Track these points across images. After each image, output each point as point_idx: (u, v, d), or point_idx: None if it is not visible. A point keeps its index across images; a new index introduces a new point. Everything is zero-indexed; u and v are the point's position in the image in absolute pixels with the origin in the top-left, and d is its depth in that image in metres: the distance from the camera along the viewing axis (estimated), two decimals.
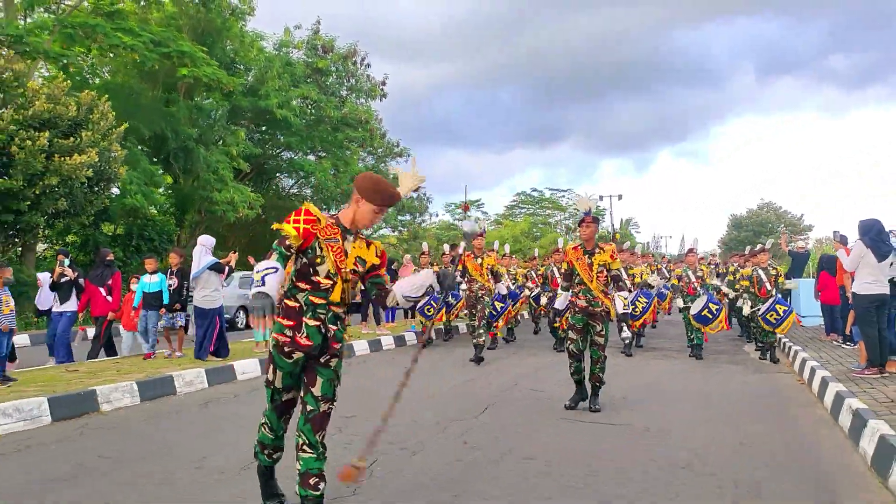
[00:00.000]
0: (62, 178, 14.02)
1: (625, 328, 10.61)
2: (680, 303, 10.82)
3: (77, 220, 15.84)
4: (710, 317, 9.85)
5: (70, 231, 18.57)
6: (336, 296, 3.27)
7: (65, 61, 17.86)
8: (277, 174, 30.01)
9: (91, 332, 10.64)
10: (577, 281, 6.50)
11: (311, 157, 28.79)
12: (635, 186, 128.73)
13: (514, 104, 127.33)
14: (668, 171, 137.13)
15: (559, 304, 6.90)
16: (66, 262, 9.20)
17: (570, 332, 6.51)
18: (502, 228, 61.38)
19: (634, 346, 11.16)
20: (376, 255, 3.40)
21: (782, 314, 9.36)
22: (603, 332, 6.41)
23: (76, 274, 9.05)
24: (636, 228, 75.63)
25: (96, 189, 15.49)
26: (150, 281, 9.09)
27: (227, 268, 8.95)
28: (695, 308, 10.02)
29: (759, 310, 9.73)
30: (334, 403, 3.32)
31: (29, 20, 18.27)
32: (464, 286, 10.55)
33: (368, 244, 3.39)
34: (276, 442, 3.42)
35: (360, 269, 3.34)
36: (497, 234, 57.45)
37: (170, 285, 9.03)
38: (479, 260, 9.89)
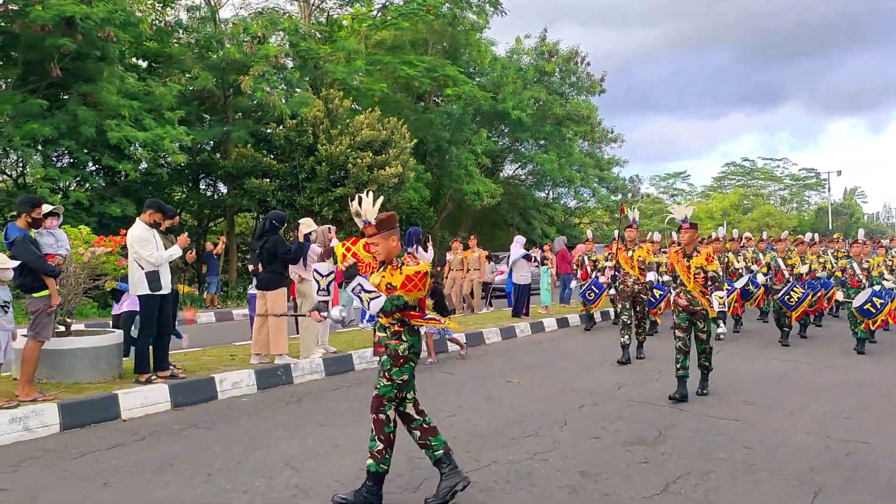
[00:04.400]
0: (378, 186, 19.15)
1: (721, 325, 10.98)
2: (840, 296, 10.62)
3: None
4: (874, 311, 9.74)
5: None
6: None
7: (372, 93, 23.17)
8: (507, 164, 34.40)
9: None
10: (678, 281, 7.15)
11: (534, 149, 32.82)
12: (867, 150, 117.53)
13: (725, 66, 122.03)
14: None
15: (650, 276, 9.52)
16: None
17: (676, 330, 7.12)
18: (710, 201, 61.35)
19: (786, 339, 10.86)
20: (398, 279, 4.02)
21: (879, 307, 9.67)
22: (705, 329, 7.07)
23: None
24: (863, 198, 71.25)
25: (397, 191, 20.60)
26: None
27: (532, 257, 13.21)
28: (857, 301, 9.91)
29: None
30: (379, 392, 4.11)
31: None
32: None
33: (401, 269, 4.06)
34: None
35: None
36: (704, 208, 57.80)
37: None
38: (630, 252, 9.47)
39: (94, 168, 18.52)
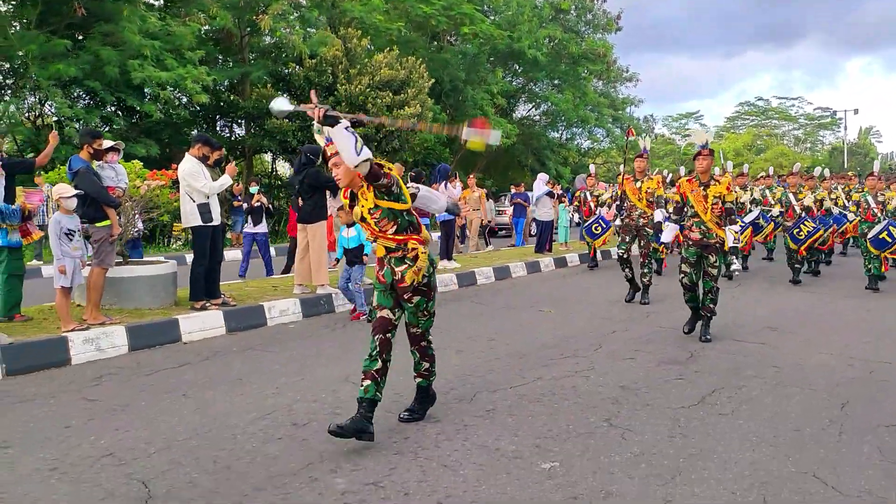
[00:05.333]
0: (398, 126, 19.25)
1: (734, 262, 10.01)
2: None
3: (398, 154, 21.23)
4: (890, 240, 9.55)
5: None
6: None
7: (389, 32, 23.01)
8: (521, 104, 34.22)
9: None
10: (690, 213, 6.70)
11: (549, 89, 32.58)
12: (883, 89, 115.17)
13: (741, 1, 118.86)
14: None
15: (665, 237, 7.30)
16: (256, 189, 10.77)
17: (682, 265, 6.78)
18: (723, 141, 60.90)
19: (805, 274, 11.03)
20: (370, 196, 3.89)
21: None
22: (716, 264, 6.65)
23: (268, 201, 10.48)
24: (877, 138, 70.43)
25: (414, 131, 20.69)
26: (348, 236, 7.64)
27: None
28: (872, 232, 9.74)
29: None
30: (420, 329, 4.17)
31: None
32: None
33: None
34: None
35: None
36: (717, 148, 57.48)
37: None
38: (639, 184, 8.86)
39: (112, 109, 18.65)
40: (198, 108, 20.85)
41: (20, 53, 15.61)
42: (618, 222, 9.37)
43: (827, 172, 15.96)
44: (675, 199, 7.11)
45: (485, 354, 6.16)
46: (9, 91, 17.23)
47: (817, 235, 10.52)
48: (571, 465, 3.68)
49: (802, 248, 10.53)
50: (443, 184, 10.66)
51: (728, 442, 4.01)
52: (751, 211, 11.88)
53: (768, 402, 4.78)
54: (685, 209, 6.78)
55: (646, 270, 8.85)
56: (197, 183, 6.67)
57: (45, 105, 18.63)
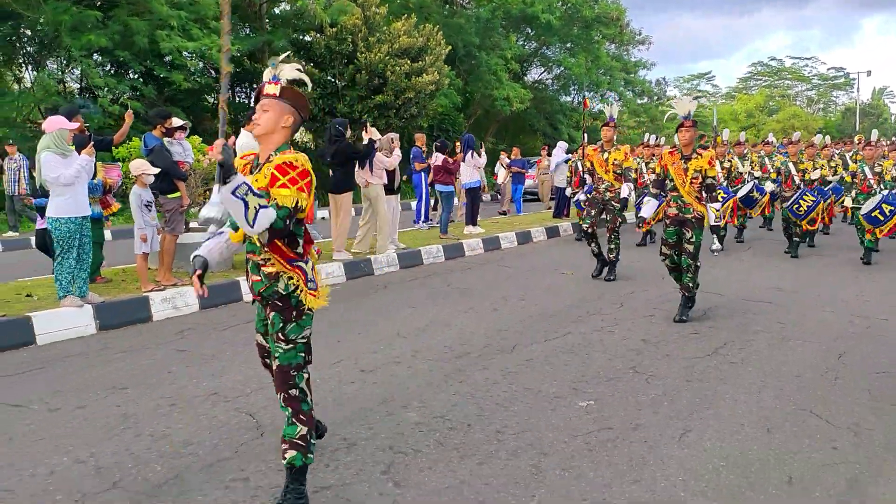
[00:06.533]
0: (416, 93, 19.71)
1: (716, 241, 9.37)
2: (849, 202, 10.23)
3: (415, 120, 21.69)
4: (882, 218, 9.17)
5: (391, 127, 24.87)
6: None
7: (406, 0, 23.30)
8: (533, 68, 34.43)
9: None
10: (669, 187, 6.45)
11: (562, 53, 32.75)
12: None
13: None
14: None
15: (646, 211, 6.95)
16: None
17: (662, 246, 6.59)
18: (734, 103, 60.73)
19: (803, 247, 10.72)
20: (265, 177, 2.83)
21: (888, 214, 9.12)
22: (693, 240, 6.34)
23: None
24: (891, 98, 69.94)
25: (432, 98, 21.15)
26: None
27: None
28: (866, 207, 9.38)
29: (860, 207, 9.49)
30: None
31: None
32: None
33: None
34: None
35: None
36: (728, 110, 57.34)
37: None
38: (606, 155, 8.33)
39: (134, 76, 19.12)
40: (216, 76, 21.31)
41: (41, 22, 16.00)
42: (582, 196, 9.01)
43: (828, 139, 15.64)
44: (656, 171, 6.90)
45: (517, 312, 6.83)
46: (46, 60, 17.75)
47: (819, 209, 10.08)
48: (604, 403, 4.35)
49: (804, 221, 10.10)
50: (469, 153, 11.22)
51: (737, 386, 4.67)
52: (745, 183, 11.24)
53: (773, 354, 5.43)
54: (666, 182, 6.50)
55: (612, 246, 8.37)
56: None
57: (68, 73, 19.12)
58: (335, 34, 19.51)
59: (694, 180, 6.31)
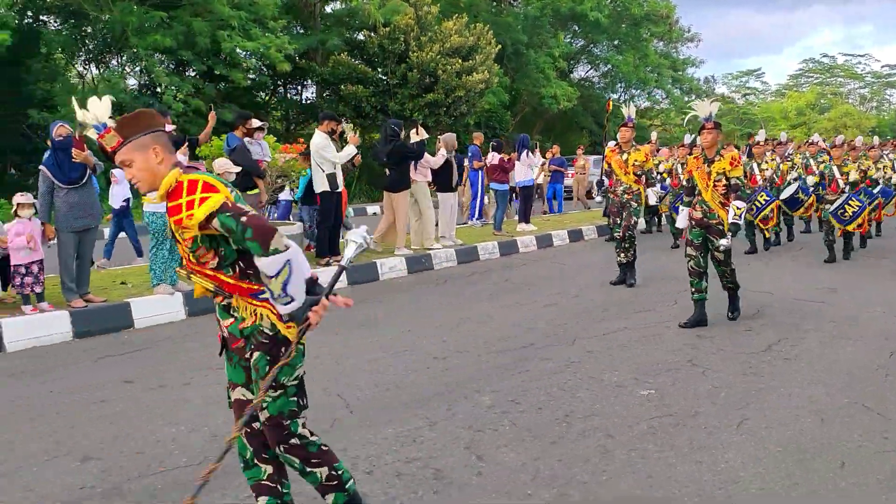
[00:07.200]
0: (466, 91, 20.07)
1: (727, 238, 8.10)
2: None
3: (464, 118, 22.04)
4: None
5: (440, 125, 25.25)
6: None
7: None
8: (579, 66, 34.52)
9: None
10: (695, 192, 6.39)
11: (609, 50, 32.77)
12: None
13: None
14: None
15: (681, 222, 6.61)
16: None
17: (688, 247, 6.39)
18: (784, 100, 59.59)
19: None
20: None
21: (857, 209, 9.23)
22: (720, 248, 6.27)
23: None
24: None
25: (481, 96, 21.50)
26: None
27: None
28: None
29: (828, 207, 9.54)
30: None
31: None
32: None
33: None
34: None
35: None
36: (778, 107, 56.31)
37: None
38: (625, 156, 8.05)
39: (193, 75, 19.84)
40: (269, 73, 21.98)
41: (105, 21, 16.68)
42: (598, 199, 8.62)
43: (876, 140, 14.98)
44: (684, 177, 6.84)
45: (573, 307, 7.15)
46: (108, 58, 18.58)
47: (864, 214, 9.73)
48: (664, 392, 4.66)
49: (848, 227, 9.75)
50: (525, 152, 11.54)
51: (790, 381, 4.92)
52: (789, 184, 10.82)
53: (825, 351, 5.64)
54: (695, 188, 6.40)
55: (627, 245, 8.13)
56: (328, 154, 7.75)
57: (130, 71, 19.92)
58: (388, 33, 19.97)
59: (717, 183, 6.20)
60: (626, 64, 30.38)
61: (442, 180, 10.10)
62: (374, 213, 15.77)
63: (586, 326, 6.34)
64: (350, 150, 8.10)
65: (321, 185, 7.89)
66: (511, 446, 3.81)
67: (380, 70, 20.52)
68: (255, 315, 2.51)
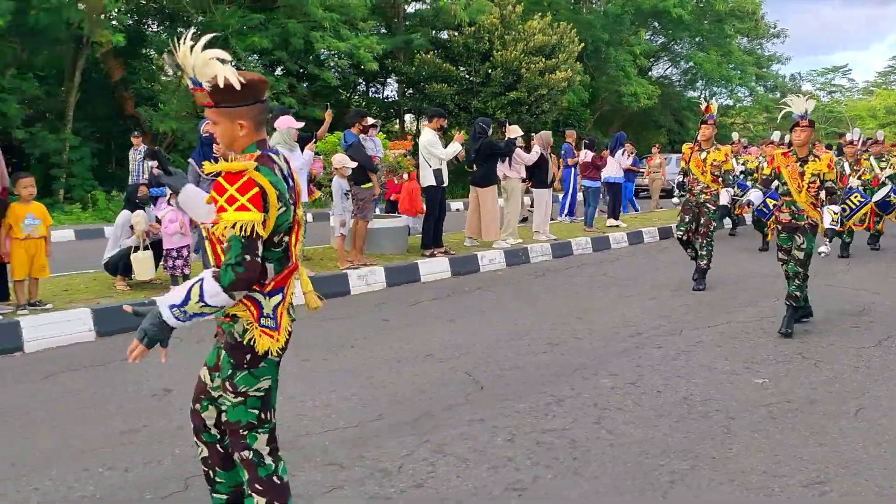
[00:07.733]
0: (549, 89, 20.23)
1: (827, 244, 7.67)
2: None
3: (546, 116, 22.19)
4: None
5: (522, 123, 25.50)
6: None
7: None
8: (659, 63, 34.08)
9: None
10: (782, 192, 6.11)
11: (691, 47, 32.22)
12: None
13: None
14: None
15: (753, 196, 6.47)
16: None
17: (779, 252, 6.27)
18: (873, 98, 57.10)
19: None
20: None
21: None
22: (804, 246, 5.96)
23: None
24: None
25: (563, 94, 21.62)
26: None
27: None
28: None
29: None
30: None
31: None
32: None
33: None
34: None
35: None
36: (866, 106, 54.02)
37: None
38: (703, 154, 7.67)
39: (281, 74, 20.59)
40: (354, 72, 22.57)
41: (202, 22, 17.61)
42: (675, 200, 8.35)
43: None
44: (764, 171, 6.54)
45: (673, 300, 7.31)
46: None
47: None
48: (778, 381, 4.82)
49: None
50: (620, 150, 11.68)
51: None
52: (884, 184, 10.44)
53: None
54: (776, 185, 6.21)
55: (704, 252, 7.79)
56: (436, 150, 8.14)
57: None
58: (473, 33, 20.30)
59: (812, 184, 5.92)
60: (709, 61, 29.85)
61: (537, 177, 10.35)
62: (458, 210, 16.11)
63: (690, 319, 6.51)
64: (455, 146, 8.47)
65: (428, 180, 8.29)
66: (637, 423, 4.07)
67: (463, 69, 20.89)
68: (230, 316, 2.37)
